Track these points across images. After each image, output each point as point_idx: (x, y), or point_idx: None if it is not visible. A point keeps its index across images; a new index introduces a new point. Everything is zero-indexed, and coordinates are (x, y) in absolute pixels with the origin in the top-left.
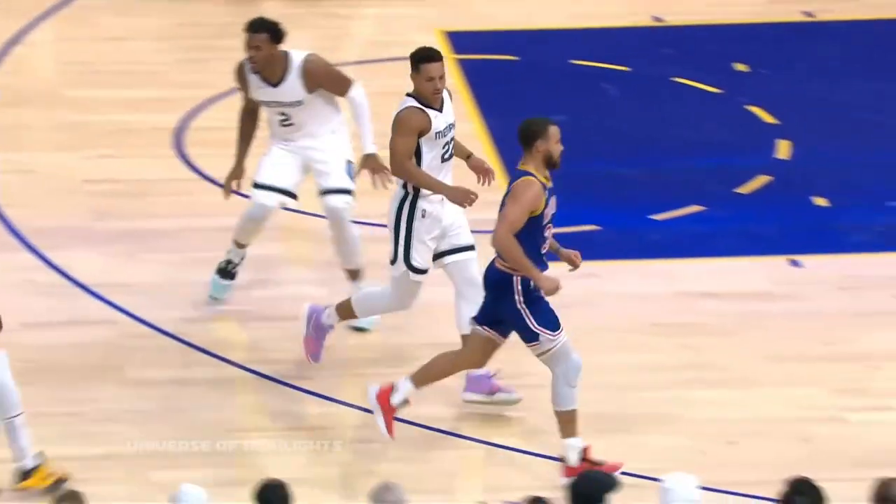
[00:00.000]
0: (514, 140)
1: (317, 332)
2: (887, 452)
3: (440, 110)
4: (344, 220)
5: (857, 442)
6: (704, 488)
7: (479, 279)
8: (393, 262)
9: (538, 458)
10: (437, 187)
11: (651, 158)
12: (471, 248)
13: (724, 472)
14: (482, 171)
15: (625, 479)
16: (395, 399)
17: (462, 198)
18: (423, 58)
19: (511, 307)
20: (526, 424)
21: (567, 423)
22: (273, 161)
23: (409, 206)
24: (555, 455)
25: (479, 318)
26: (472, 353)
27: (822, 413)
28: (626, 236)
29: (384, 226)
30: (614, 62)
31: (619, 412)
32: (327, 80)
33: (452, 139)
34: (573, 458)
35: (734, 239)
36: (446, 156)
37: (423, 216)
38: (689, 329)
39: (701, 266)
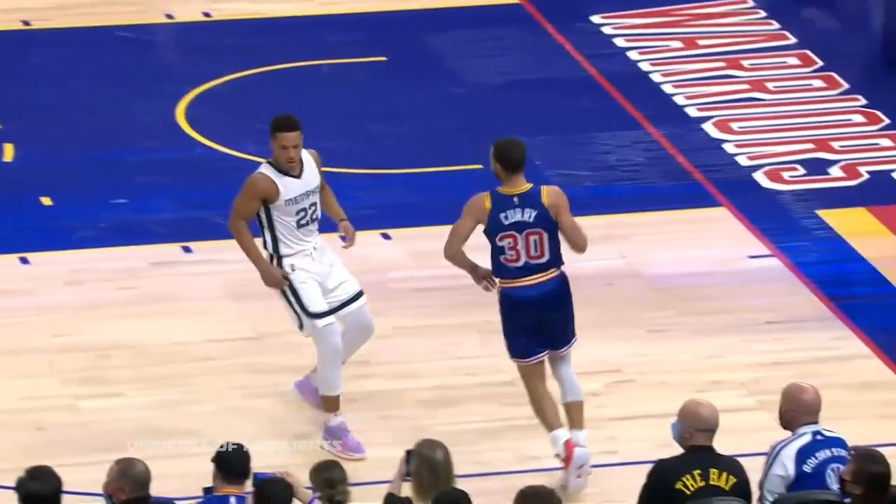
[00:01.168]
0: None
1: (336, 438)
2: (117, 435)
3: (298, 177)
4: None
5: (88, 428)
6: None
7: (371, 322)
8: (300, 325)
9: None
10: (255, 261)
11: None
12: (360, 294)
13: None
14: (348, 236)
15: None
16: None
17: (274, 284)
18: (278, 126)
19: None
20: None
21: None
22: None
23: (278, 268)
24: None
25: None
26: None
27: (55, 402)
28: None
29: None
30: None
31: None
32: None
33: (314, 204)
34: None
35: None
36: (303, 221)
37: (293, 269)
38: None
39: None
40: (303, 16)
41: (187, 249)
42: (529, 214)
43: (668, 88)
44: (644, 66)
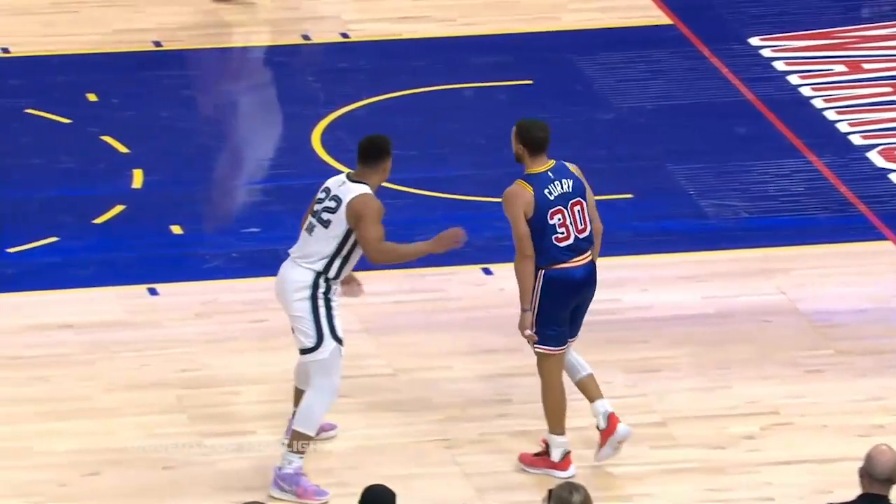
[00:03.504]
0: None
1: (294, 484)
2: (247, 476)
3: None
4: None
5: (216, 467)
6: None
7: None
8: (317, 345)
9: None
10: (422, 250)
11: (4, 191)
12: None
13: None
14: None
15: None
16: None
17: (452, 241)
18: (391, 152)
19: None
20: None
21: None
22: None
23: (325, 286)
24: None
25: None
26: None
27: (182, 439)
28: None
29: None
30: None
31: None
32: None
33: None
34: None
35: (91, 269)
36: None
37: (335, 293)
38: (43, 361)
39: (57, 297)
40: (444, 37)
41: None
42: (567, 185)
43: (830, 115)
44: (805, 91)
